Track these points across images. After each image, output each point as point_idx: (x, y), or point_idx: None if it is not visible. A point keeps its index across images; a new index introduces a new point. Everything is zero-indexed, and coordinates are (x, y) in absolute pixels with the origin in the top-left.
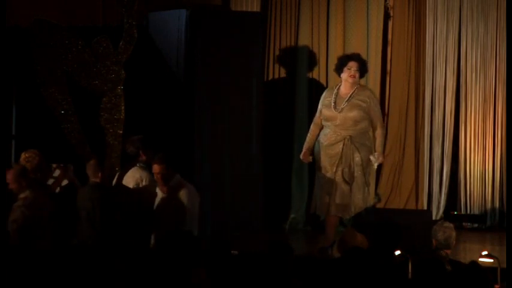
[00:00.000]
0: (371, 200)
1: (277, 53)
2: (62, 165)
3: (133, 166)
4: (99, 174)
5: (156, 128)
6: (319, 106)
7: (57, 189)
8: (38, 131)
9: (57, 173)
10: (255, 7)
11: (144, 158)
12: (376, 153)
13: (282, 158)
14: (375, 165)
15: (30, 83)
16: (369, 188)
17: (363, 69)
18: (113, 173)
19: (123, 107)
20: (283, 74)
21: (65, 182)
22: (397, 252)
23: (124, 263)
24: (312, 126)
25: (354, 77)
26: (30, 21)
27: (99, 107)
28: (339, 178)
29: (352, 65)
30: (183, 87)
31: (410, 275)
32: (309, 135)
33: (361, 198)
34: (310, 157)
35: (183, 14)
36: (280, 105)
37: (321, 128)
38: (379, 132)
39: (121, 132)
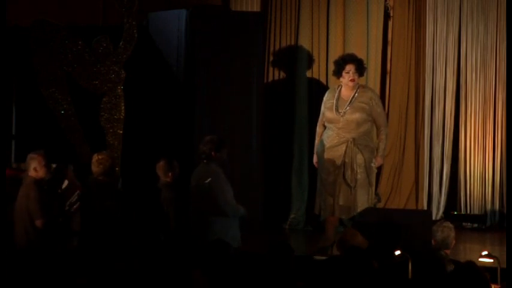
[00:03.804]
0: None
1: (277, 53)
2: (62, 165)
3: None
4: (170, 174)
5: (156, 128)
6: (322, 108)
7: (58, 190)
8: (38, 131)
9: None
10: (255, 7)
11: (215, 158)
12: (376, 157)
13: (282, 158)
14: (374, 168)
15: (30, 83)
16: (372, 188)
17: (361, 69)
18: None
19: (123, 107)
20: (283, 74)
21: (65, 183)
22: (397, 252)
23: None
24: (318, 130)
25: (354, 80)
26: (30, 21)
27: (99, 107)
28: (341, 180)
29: (350, 68)
30: (183, 87)
31: (410, 275)
32: (317, 137)
33: (366, 199)
34: None
35: (183, 14)
36: (280, 105)
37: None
38: (382, 135)
39: (121, 132)
